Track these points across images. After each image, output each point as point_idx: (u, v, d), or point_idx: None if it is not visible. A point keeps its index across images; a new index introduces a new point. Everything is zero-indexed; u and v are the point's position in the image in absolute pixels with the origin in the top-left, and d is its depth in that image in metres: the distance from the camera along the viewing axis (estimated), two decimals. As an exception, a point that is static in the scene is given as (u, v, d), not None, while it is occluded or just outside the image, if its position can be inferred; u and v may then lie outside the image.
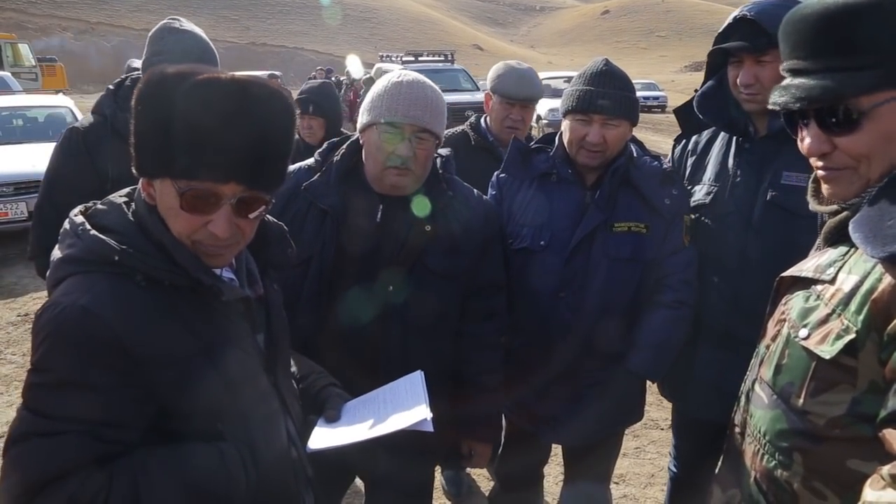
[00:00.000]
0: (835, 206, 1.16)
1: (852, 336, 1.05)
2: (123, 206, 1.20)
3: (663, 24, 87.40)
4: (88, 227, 1.14)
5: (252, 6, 59.82)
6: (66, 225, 1.18)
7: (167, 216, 1.15)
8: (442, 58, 17.18)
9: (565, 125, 2.12)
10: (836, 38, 1.06)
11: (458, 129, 3.14)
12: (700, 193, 2.11)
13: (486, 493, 3.03)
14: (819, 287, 1.15)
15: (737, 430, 1.38)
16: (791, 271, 1.25)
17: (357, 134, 1.90)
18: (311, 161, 1.95)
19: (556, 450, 2.75)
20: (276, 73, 14.83)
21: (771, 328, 1.30)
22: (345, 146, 1.92)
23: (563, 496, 2.51)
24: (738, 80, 1.95)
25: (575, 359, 2.11)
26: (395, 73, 1.86)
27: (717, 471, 1.48)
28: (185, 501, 1.09)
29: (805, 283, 1.20)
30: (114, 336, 1.06)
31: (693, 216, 2.11)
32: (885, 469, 0.98)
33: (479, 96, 13.26)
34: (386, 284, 1.80)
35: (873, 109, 1.05)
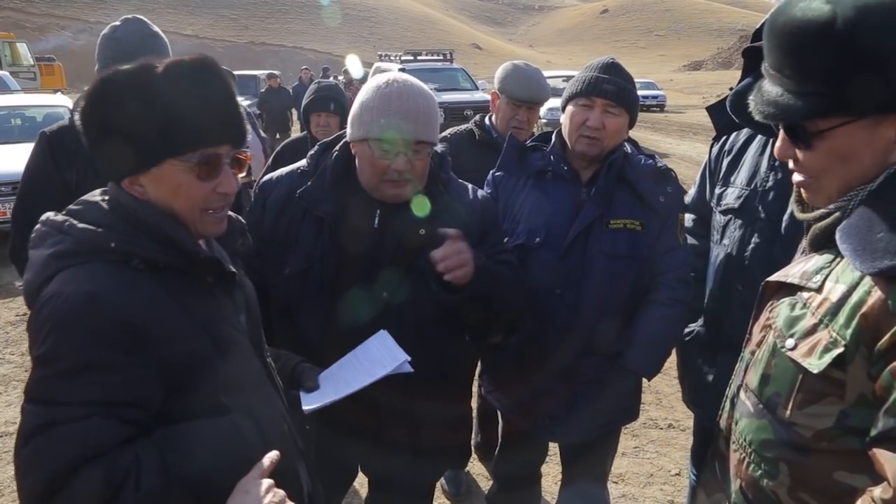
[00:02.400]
0: (819, 212, 1.15)
1: (841, 350, 1.03)
2: (101, 202, 1.23)
3: (662, 24, 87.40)
4: (75, 221, 1.17)
5: (251, 5, 59.75)
6: (43, 227, 1.20)
7: (173, 197, 1.21)
8: (441, 57, 17.14)
9: (566, 113, 2.13)
10: (791, 60, 1.06)
11: (464, 127, 3.16)
12: (731, 197, 2.06)
13: (486, 493, 3.03)
14: (805, 295, 1.13)
15: (722, 434, 1.37)
16: (777, 276, 1.23)
17: (349, 140, 1.84)
18: (303, 164, 1.91)
19: (555, 449, 2.75)
20: (276, 72, 14.78)
21: (756, 334, 1.29)
22: (337, 148, 1.88)
23: (561, 495, 2.51)
24: None
25: (572, 356, 2.11)
26: (381, 78, 1.80)
27: (702, 475, 1.47)
28: (212, 470, 1.12)
29: (791, 289, 1.18)
30: (124, 317, 1.08)
31: (724, 219, 2.07)
32: (877, 492, 0.98)
33: (477, 95, 13.25)
34: (383, 288, 1.80)
35: (828, 132, 1.05)
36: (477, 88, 14.76)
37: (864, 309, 1.01)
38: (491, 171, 2.29)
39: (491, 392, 2.40)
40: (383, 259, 1.80)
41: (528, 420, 2.26)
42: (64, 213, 1.21)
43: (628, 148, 2.18)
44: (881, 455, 0.97)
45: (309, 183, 1.83)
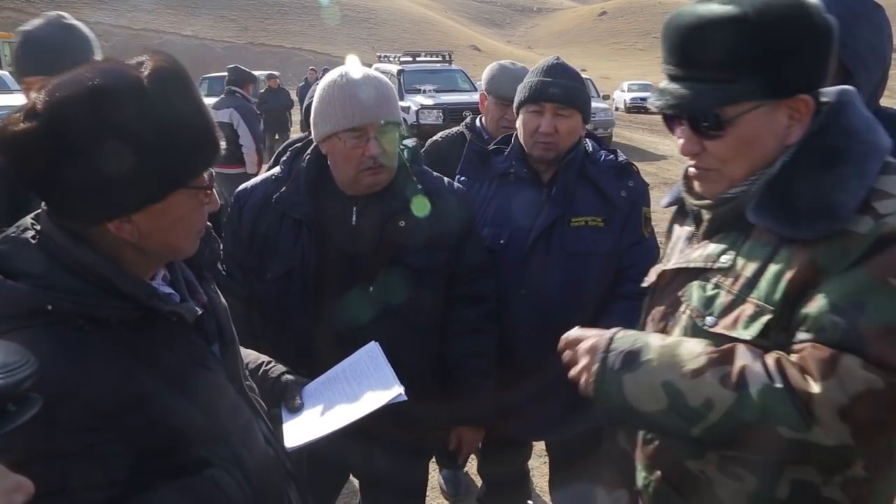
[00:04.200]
0: (715, 199, 1.22)
1: (769, 316, 1.09)
2: (30, 241, 1.02)
3: (660, 26, 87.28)
4: (1, 276, 0.98)
5: (250, 6, 59.71)
6: None
7: (173, 230, 1.07)
8: (440, 58, 17.14)
9: (520, 121, 2.17)
10: (703, 50, 1.13)
11: (454, 130, 3.16)
12: None
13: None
14: (714, 276, 1.19)
15: (621, 433, 1.39)
16: (674, 264, 1.30)
17: (315, 142, 1.87)
18: (276, 170, 1.94)
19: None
20: (275, 72, 14.79)
21: (654, 323, 1.31)
22: (309, 152, 1.91)
23: (552, 496, 2.52)
24: None
25: (539, 355, 2.11)
26: (332, 74, 1.84)
27: (600, 476, 1.51)
28: None
29: (693, 273, 1.24)
30: (71, 396, 0.94)
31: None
32: (794, 373, 1.03)
33: (476, 97, 13.21)
34: (367, 284, 1.81)
35: (737, 118, 1.13)
36: (476, 90, 14.74)
37: (789, 274, 1.08)
38: (456, 176, 2.30)
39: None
40: (364, 255, 1.82)
41: (503, 420, 2.26)
42: None
43: (589, 145, 2.20)
44: (816, 348, 1.03)
45: (284, 188, 1.86)
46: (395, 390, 1.43)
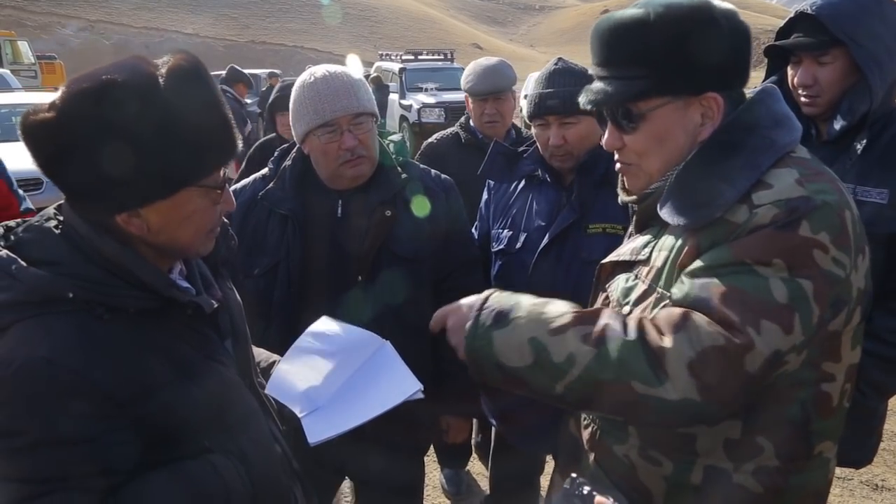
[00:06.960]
0: (642, 194, 1.29)
1: (666, 302, 1.15)
2: (53, 230, 1.05)
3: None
4: (23, 263, 0.99)
5: (252, 4, 59.75)
6: None
7: (181, 227, 1.08)
8: (441, 56, 17.14)
9: (534, 132, 2.14)
10: (616, 51, 1.22)
11: (449, 130, 3.17)
12: None
13: (485, 493, 3.03)
14: (636, 268, 1.27)
15: (572, 417, 1.45)
16: (609, 258, 1.37)
17: (297, 143, 1.91)
18: (264, 171, 1.98)
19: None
20: (276, 70, 14.80)
21: None
22: (294, 151, 1.94)
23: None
24: (794, 81, 1.87)
25: None
26: (304, 75, 1.86)
27: (557, 461, 1.56)
28: None
29: (625, 265, 1.31)
30: (87, 383, 0.96)
31: None
32: (652, 333, 1.07)
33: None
34: (355, 275, 1.82)
35: (648, 113, 1.20)
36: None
37: (680, 259, 1.15)
38: (486, 182, 2.29)
39: (481, 396, 2.39)
40: (352, 247, 1.84)
41: (508, 428, 2.24)
42: (10, 241, 1.03)
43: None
44: (659, 318, 1.09)
45: (271, 185, 1.90)
46: (413, 387, 1.46)
